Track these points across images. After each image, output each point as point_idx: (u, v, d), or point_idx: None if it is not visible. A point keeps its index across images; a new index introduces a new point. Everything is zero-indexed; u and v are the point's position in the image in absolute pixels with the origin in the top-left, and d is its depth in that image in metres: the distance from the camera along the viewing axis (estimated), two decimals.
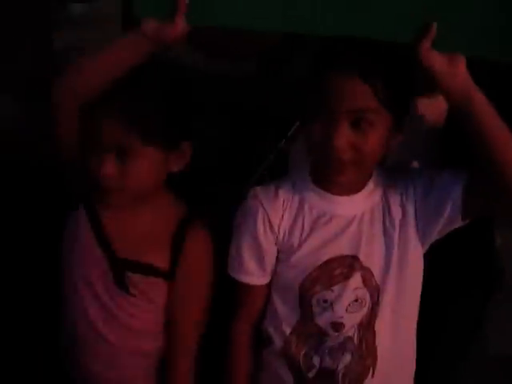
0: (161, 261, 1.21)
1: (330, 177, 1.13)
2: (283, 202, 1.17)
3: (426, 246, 1.17)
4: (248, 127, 1.47)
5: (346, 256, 1.14)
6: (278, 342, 1.20)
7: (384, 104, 1.05)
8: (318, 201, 1.16)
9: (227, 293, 1.24)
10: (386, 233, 1.15)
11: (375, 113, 1.05)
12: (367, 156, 1.08)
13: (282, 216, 1.16)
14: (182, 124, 1.19)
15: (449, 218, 1.12)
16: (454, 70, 1.00)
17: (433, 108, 1.39)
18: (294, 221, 1.16)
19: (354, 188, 1.15)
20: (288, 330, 1.19)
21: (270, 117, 1.45)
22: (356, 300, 1.14)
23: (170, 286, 1.22)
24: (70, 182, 1.24)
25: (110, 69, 1.07)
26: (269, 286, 1.21)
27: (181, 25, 1.02)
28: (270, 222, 1.16)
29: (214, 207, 1.31)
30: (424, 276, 1.19)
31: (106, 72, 1.07)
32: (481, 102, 1.01)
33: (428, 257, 1.19)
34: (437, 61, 1.00)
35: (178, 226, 1.22)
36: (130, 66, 1.07)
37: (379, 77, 1.04)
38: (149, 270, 1.21)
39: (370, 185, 1.17)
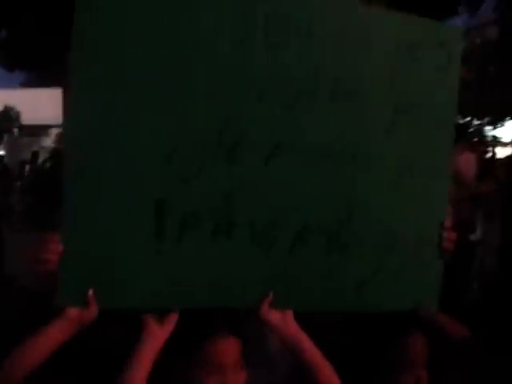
0: None
1: None
2: None
3: None
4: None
5: None
6: None
7: None
8: None
9: None
10: None
11: None
12: None
13: None
14: None
15: None
16: (285, 323, 1.45)
17: None
18: None
19: None
20: None
21: None
22: None
23: None
24: None
25: (41, 353, 1.33)
26: None
27: (95, 309, 1.36)
28: None
29: None
30: None
31: (37, 357, 1.32)
32: (307, 347, 1.43)
33: None
34: (272, 316, 1.44)
35: None
36: (56, 347, 1.33)
37: None
38: None
39: None
